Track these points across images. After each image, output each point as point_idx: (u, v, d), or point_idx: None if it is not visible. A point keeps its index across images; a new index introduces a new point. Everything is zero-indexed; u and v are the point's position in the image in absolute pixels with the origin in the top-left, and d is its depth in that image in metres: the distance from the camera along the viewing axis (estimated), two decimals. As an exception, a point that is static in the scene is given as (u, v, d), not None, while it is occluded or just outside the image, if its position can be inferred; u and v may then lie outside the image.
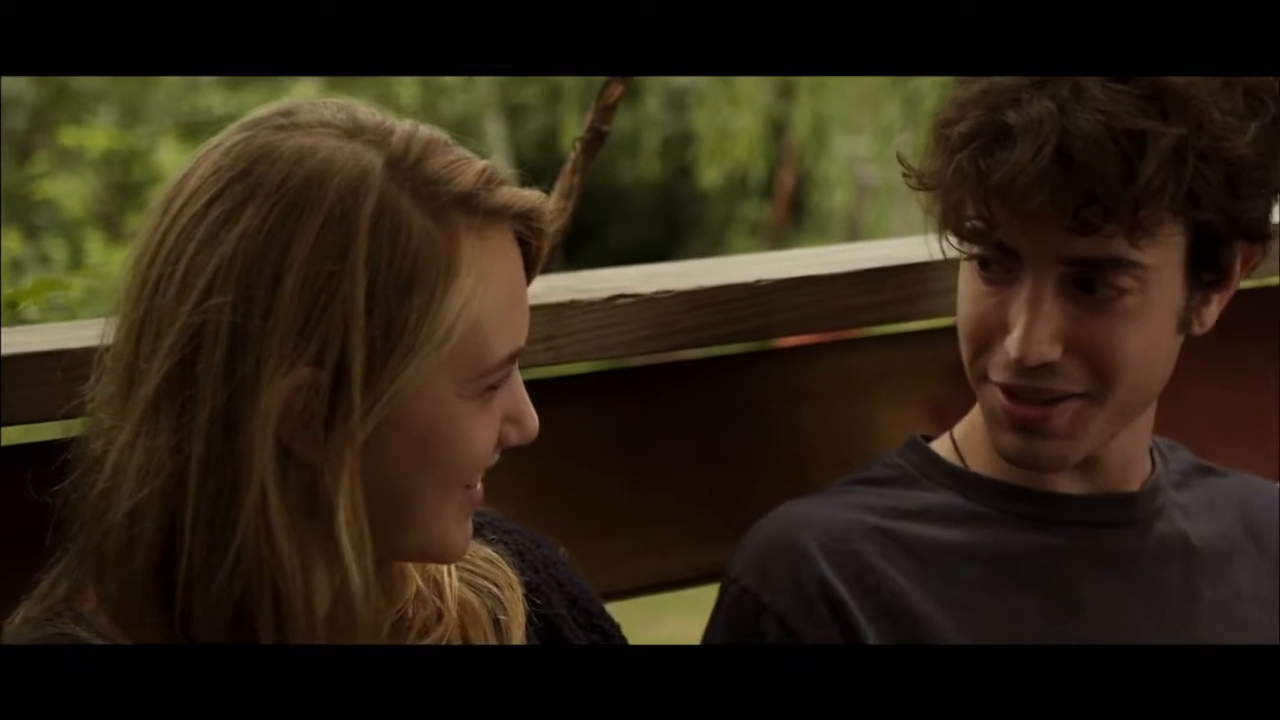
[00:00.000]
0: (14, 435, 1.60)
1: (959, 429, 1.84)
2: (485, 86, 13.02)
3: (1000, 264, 1.68)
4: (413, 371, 1.34)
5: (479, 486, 1.44)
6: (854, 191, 12.38)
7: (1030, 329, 1.66)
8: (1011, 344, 1.67)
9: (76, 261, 7.84)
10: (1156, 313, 1.68)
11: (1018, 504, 1.78)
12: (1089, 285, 1.66)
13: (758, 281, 1.88)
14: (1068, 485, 1.78)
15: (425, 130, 1.40)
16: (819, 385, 2.02)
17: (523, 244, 1.43)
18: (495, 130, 12.45)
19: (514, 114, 13.04)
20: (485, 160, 1.40)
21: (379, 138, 1.37)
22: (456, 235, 1.36)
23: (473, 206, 1.37)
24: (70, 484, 1.39)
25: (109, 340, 1.39)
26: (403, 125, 1.39)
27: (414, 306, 1.34)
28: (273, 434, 1.33)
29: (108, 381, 1.38)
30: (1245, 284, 1.78)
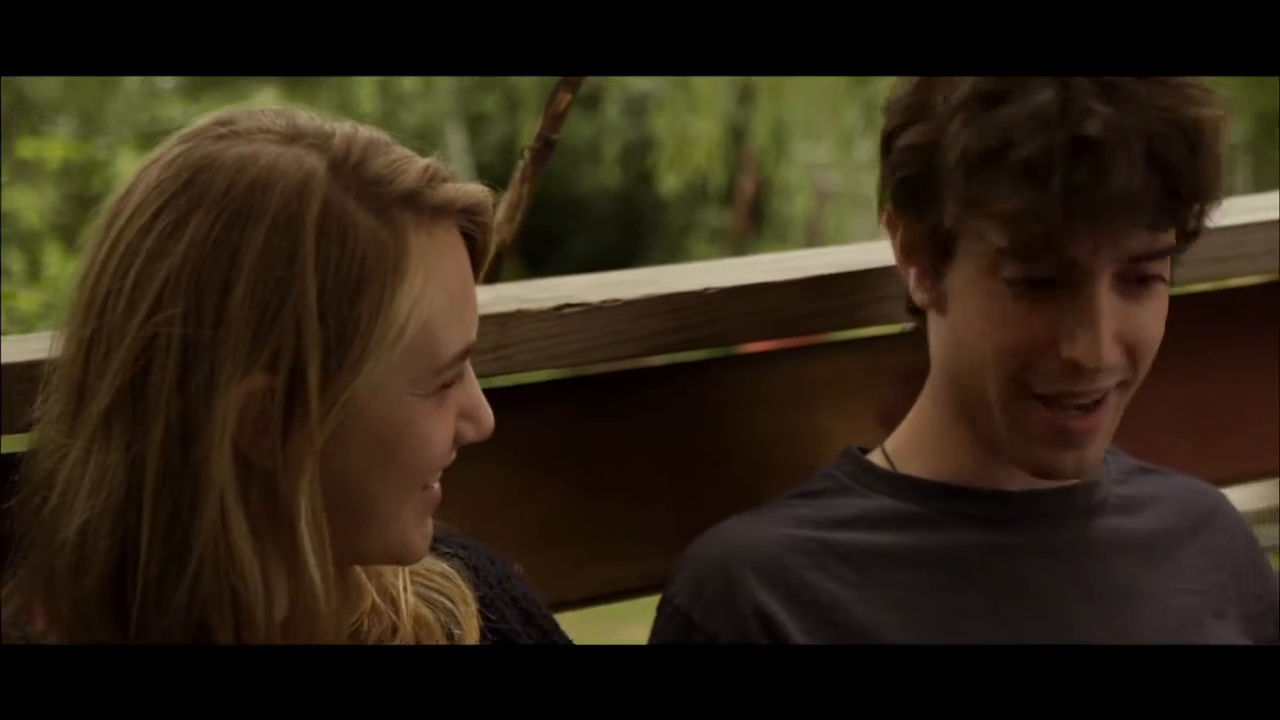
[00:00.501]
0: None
1: (891, 440, 1.85)
2: (445, 96, 13.03)
3: (1049, 277, 1.67)
4: (367, 373, 1.34)
5: (436, 486, 1.45)
6: (814, 198, 12.41)
7: (1099, 332, 1.65)
8: (1082, 352, 1.65)
9: (34, 274, 7.81)
10: (1166, 289, 1.72)
11: (954, 503, 1.78)
12: (1138, 280, 1.68)
13: (705, 289, 1.88)
14: (1006, 482, 1.79)
15: (365, 131, 1.41)
16: (770, 392, 2.02)
17: (469, 239, 1.43)
18: (456, 140, 12.46)
19: (474, 123, 13.05)
20: (427, 159, 1.41)
21: (320, 141, 1.38)
22: (403, 234, 1.36)
23: (418, 204, 1.38)
24: (18, 502, 1.39)
25: (56, 354, 1.38)
26: (342, 128, 1.40)
27: (365, 308, 1.34)
28: (230, 443, 1.33)
29: (56, 400, 1.38)
30: (1252, 280, 1.79)
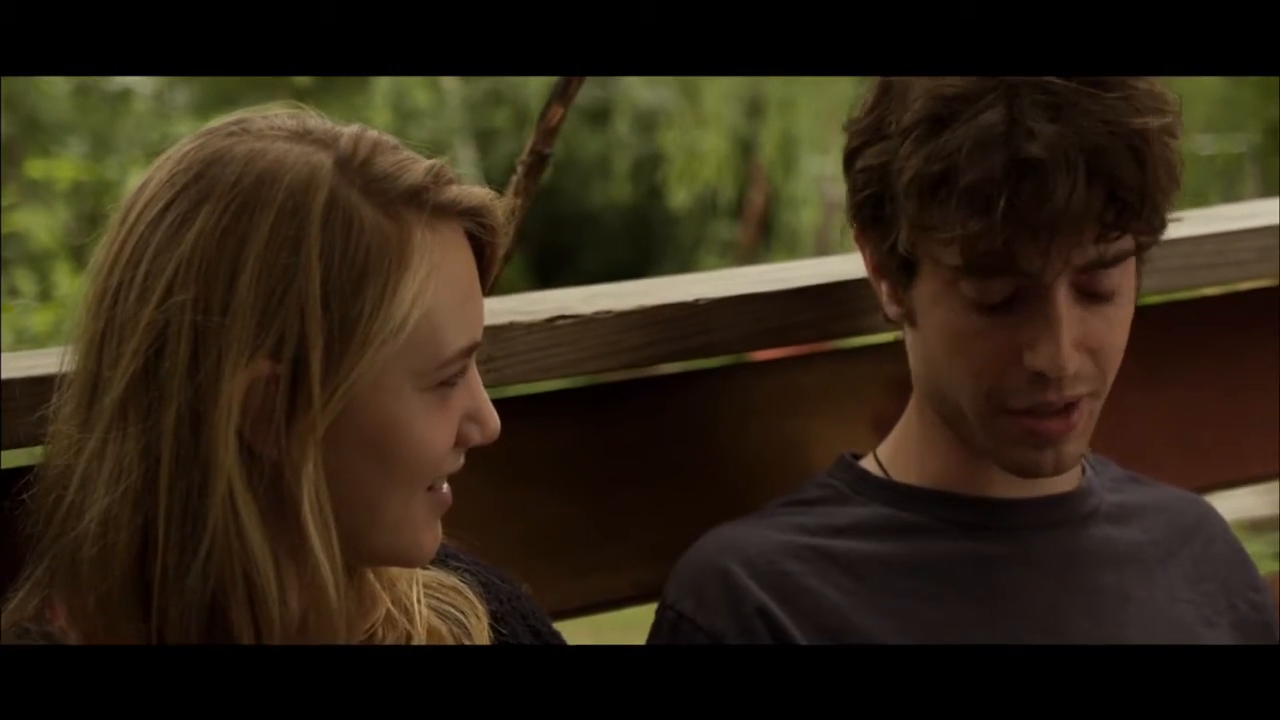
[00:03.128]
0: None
1: (883, 447, 1.86)
2: (455, 112, 13.04)
3: (1006, 292, 1.69)
4: (369, 361, 1.37)
5: (447, 489, 1.47)
6: (822, 210, 12.40)
7: (1061, 342, 1.68)
8: (1045, 362, 1.68)
9: (45, 294, 7.82)
10: (1131, 297, 1.74)
11: (950, 511, 1.80)
12: (1094, 288, 1.70)
13: (697, 300, 1.89)
14: (999, 490, 1.80)
15: (373, 132, 1.44)
16: (764, 401, 2.03)
17: (477, 243, 1.45)
18: (466, 155, 12.46)
19: (484, 138, 13.06)
20: (433, 159, 1.44)
21: (328, 140, 1.41)
22: (407, 228, 1.39)
23: (422, 201, 1.41)
24: (32, 503, 1.41)
25: (70, 356, 1.41)
26: (350, 129, 1.43)
27: (368, 297, 1.37)
28: (235, 430, 1.35)
29: (70, 396, 1.41)
30: (1245, 285, 1.80)
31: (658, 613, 1.80)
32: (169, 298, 1.36)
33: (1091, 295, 1.70)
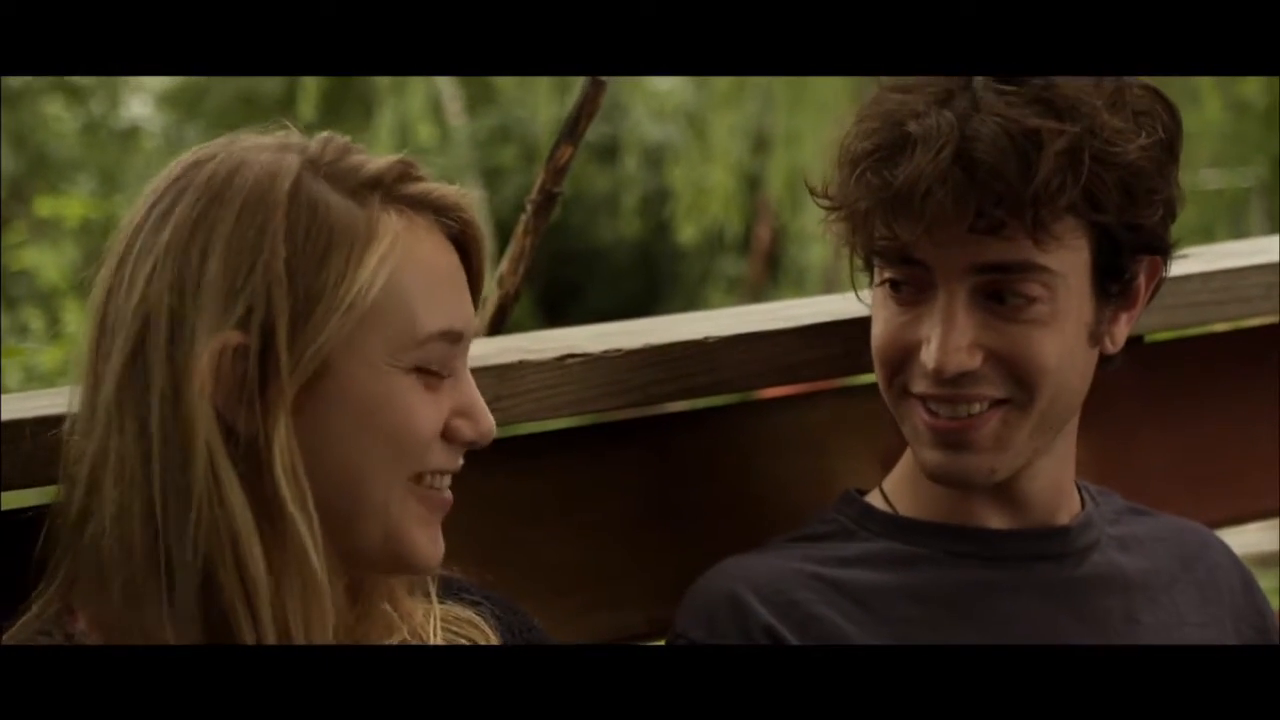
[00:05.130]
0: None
1: (888, 481, 1.88)
2: (462, 149, 13.07)
3: (912, 282, 1.74)
4: (334, 328, 1.41)
5: (448, 493, 1.49)
6: (830, 245, 12.39)
7: (946, 338, 1.71)
8: (928, 355, 1.72)
9: (54, 332, 7.85)
10: (1068, 322, 1.74)
11: (953, 543, 1.81)
12: (999, 294, 1.72)
13: (706, 339, 1.90)
14: (998, 521, 1.82)
15: (345, 139, 1.49)
16: (773, 438, 2.03)
17: (460, 243, 1.50)
18: (473, 194, 12.48)
19: (491, 176, 13.10)
20: (400, 156, 1.49)
21: (300, 146, 1.47)
22: (373, 209, 1.45)
23: (388, 189, 1.46)
24: (49, 521, 1.45)
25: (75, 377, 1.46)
26: (320, 137, 1.49)
27: (332, 269, 1.42)
28: (210, 401, 1.40)
29: (77, 408, 1.45)
30: (1252, 322, 1.81)
31: (667, 642, 1.80)
32: (149, 287, 1.41)
33: (1001, 301, 1.72)
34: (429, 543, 1.49)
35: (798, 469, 2.04)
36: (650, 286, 13.48)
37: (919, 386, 1.75)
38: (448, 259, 1.48)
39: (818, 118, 11.81)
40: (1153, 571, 1.86)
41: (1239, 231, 10.87)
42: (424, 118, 12.83)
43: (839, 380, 2.05)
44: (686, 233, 12.78)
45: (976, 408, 1.74)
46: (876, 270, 1.78)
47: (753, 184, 13.01)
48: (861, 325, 1.97)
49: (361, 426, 1.44)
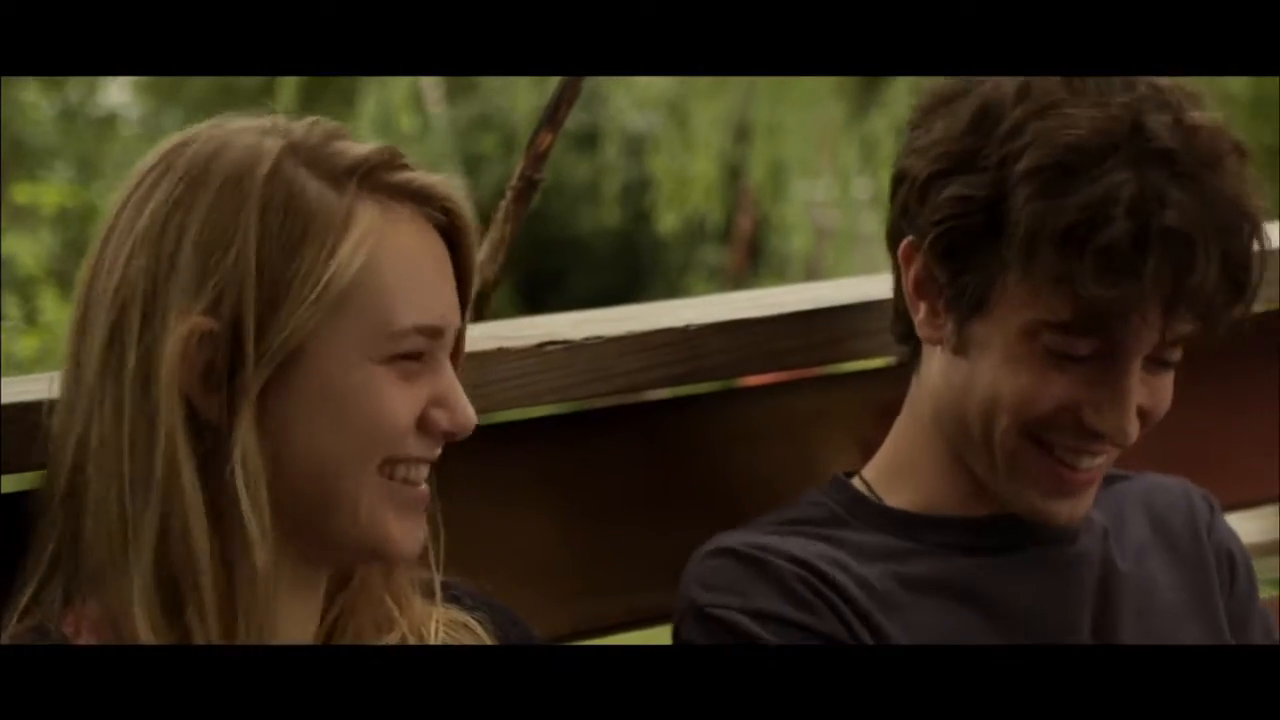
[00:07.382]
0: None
1: (869, 469, 1.86)
2: (443, 137, 13.05)
3: (1094, 350, 1.69)
4: (303, 319, 1.41)
5: (424, 486, 1.48)
6: (812, 235, 12.41)
7: (1127, 412, 1.69)
8: (1102, 422, 1.69)
9: (31, 319, 7.83)
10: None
11: (944, 535, 1.80)
12: (1168, 357, 1.72)
13: (687, 326, 1.89)
14: (983, 509, 1.81)
15: (332, 124, 1.48)
16: (754, 427, 2.03)
17: (447, 234, 1.48)
18: (454, 181, 12.47)
19: (472, 164, 13.07)
20: (385, 144, 1.48)
21: (284, 130, 1.46)
22: (351, 198, 1.44)
23: (372, 181, 1.45)
24: (36, 504, 1.45)
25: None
26: (306, 120, 1.48)
27: (305, 258, 1.41)
28: (179, 387, 1.39)
29: (60, 394, 1.45)
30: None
31: (703, 618, 1.74)
32: (128, 269, 1.41)
33: (1161, 364, 1.72)
34: (405, 534, 1.48)
35: (780, 456, 2.03)
36: (631, 275, 13.47)
37: (1063, 439, 1.72)
38: (431, 250, 1.47)
39: (800, 108, 11.81)
40: (1130, 537, 1.86)
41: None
42: (405, 107, 12.81)
43: (821, 368, 2.04)
44: (667, 222, 12.76)
45: (1105, 456, 1.74)
46: (1028, 328, 1.70)
47: (734, 173, 13.00)
48: (845, 313, 1.97)
49: (332, 418, 1.43)
